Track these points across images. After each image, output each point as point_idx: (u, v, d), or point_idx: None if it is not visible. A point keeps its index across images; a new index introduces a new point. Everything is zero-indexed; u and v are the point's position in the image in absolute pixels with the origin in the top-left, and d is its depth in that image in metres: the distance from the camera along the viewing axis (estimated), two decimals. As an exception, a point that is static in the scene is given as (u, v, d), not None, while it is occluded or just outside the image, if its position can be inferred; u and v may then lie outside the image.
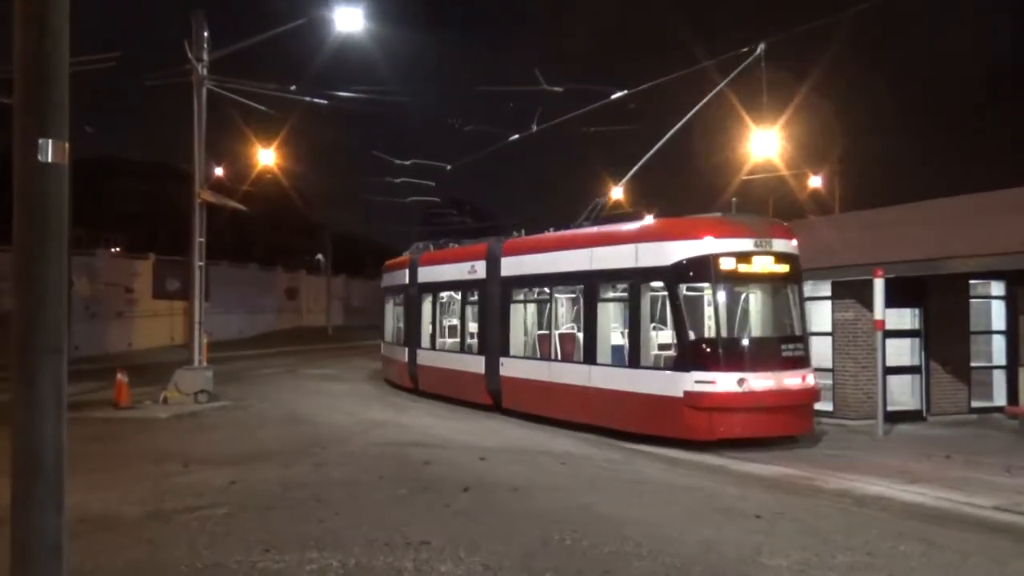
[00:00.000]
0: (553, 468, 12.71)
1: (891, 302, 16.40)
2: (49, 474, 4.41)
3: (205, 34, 21.47)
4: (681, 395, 14.80)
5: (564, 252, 18.29)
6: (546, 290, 19.01)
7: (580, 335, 17.75)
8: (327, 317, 60.94)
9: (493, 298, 20.39)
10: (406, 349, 25.01)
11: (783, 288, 15.81)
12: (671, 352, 16.22)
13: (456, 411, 20.55)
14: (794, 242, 15.86)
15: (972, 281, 19.28)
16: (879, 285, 16.12)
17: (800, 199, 40.84)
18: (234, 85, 22.31)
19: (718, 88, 17.91)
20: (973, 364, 19.24)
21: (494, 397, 20.33)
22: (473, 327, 21.55)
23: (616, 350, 16.96)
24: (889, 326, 16.76)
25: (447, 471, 12.20)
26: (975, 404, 19.05)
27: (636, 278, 16.13)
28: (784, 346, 15.28)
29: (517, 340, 19.81)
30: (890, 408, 17.33)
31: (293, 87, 23.19)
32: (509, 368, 19.69)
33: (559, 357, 18.40)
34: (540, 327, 19.35)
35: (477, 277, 21.18)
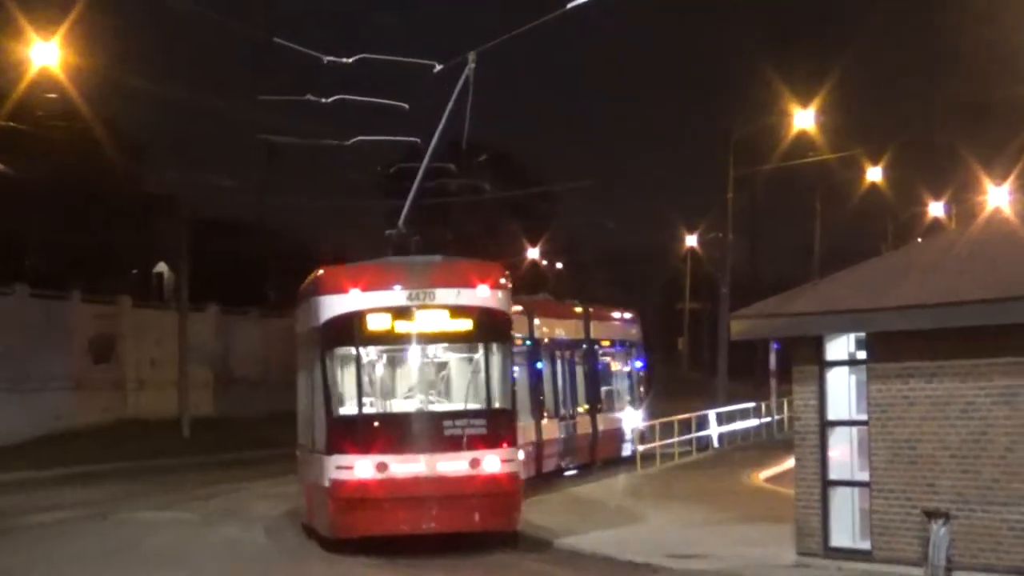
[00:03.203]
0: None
1: None
2: None
3: None
4: (328, 484, 18.39)
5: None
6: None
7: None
8: (180, 396, 48.45)
9: None
10: None
11: (455, 349, 19.58)
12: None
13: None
14: (481, 289, 18.85)
15: None
16: None
17: None
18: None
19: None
20: None
21: None
22: None
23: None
24: None
25: None
26: None
27: (308, 341, 20.05)
28: (447, 422, 18.54)
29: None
30: None
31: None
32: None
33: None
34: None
35: None
